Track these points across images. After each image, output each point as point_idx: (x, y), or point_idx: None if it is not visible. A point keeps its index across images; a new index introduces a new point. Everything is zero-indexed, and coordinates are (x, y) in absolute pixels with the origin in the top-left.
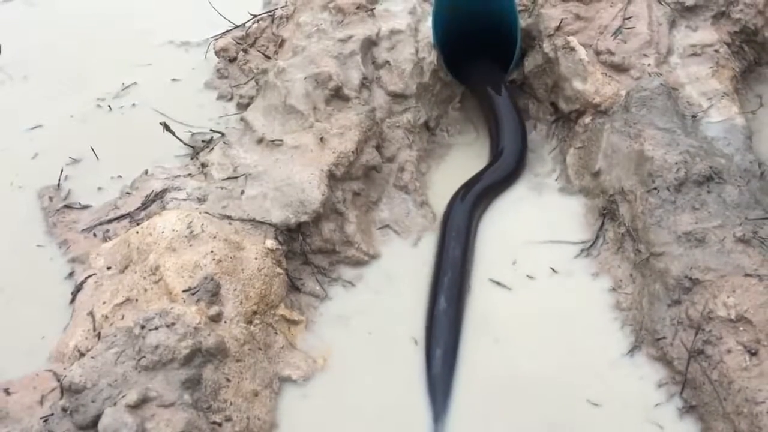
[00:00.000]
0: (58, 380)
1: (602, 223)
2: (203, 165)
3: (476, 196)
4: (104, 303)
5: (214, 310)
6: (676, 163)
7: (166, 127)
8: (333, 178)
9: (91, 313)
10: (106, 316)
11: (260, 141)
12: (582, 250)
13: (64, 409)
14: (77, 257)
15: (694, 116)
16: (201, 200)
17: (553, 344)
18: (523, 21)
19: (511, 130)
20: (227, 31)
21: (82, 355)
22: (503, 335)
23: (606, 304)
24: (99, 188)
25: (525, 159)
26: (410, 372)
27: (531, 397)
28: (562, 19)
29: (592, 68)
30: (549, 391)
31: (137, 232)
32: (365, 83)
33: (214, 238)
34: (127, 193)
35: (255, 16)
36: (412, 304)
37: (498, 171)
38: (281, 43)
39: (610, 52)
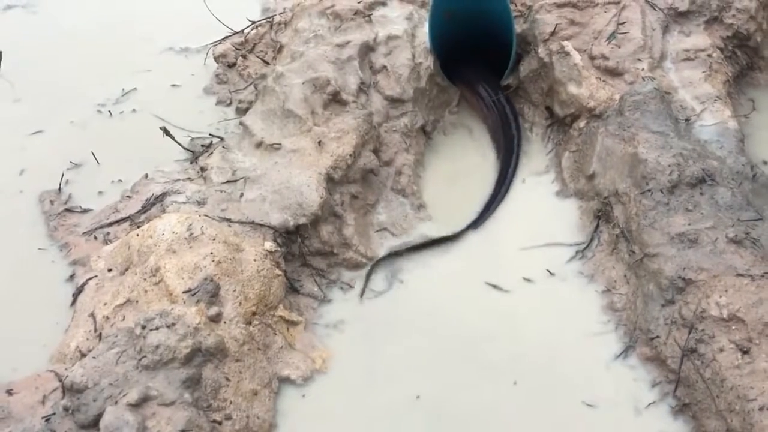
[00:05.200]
0: (60, 380)
1: (597, 225)
2: (203, 169)
3: None
4: (105, 304)
5: (213, 311)
6: (670, 166)
7: (166, 132)
8: (331, 181)
9: (92, 315)
10: (107, 317)
11: (259, 145)
12: (577, 252)
13: (65, 409)
14: (78, 260)
15: (687, 120)
16: (200, 203)
17: (548, 346)
18: (519, 26)
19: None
20: (226, 37)
21: (83, 355)
22: (500, 338)
23: (601, 305)
24: (99, 192)
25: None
26: (407, 372)
27: (526, 398)
28: (556, 25)
29: (586, 73)
30: (544, 391)
31: (138, 235)
32: (363, 88)
33: (214, 240)
34: (128, 196)
35: (254, 22)
36: (410, 305)
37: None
38: (280, 49)
39: (605, 57)
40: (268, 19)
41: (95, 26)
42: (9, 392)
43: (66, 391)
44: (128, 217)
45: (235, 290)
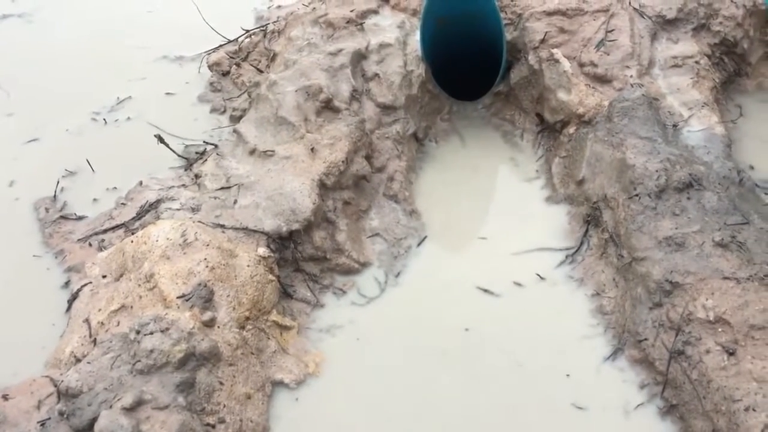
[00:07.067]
0: (55, 385)
1: (586, 230)
2: (197, 176)
3: None
4: (100, 310)
5: (207, 316)
6: (657, 171)
7: (160, 140)
8: (324, 188)
9: (87, 320)
10: (102, 323)
11: (252, 152)
12: (567, 257)
13: (60, 413)
14: (73, 266)
15: (674, 125)
16: (195, 210)
17: (539, 349)
18: (509, 34)
19: None
20: (220, 45)
21: (78, 360)
22: (491, 342)
23: (590, 308)
24: (94, 199)
25: None
26: (399, 376)
27: (517, 401)
28: (546, 32)
29: (575, 80)
30: (534, 394)
31: (132, 241)
32: (355, 95)
33: (208, 246)
34: (122, 203)
35: (247, 31)
36: (401, 310)
37: None
38: (273, 57)
39: (594, 64)
40: (262, 28)
41: (90, 35)
42: (5, 397)
43: (61, 395)
44: (123, 223)
45: (228, 295)
